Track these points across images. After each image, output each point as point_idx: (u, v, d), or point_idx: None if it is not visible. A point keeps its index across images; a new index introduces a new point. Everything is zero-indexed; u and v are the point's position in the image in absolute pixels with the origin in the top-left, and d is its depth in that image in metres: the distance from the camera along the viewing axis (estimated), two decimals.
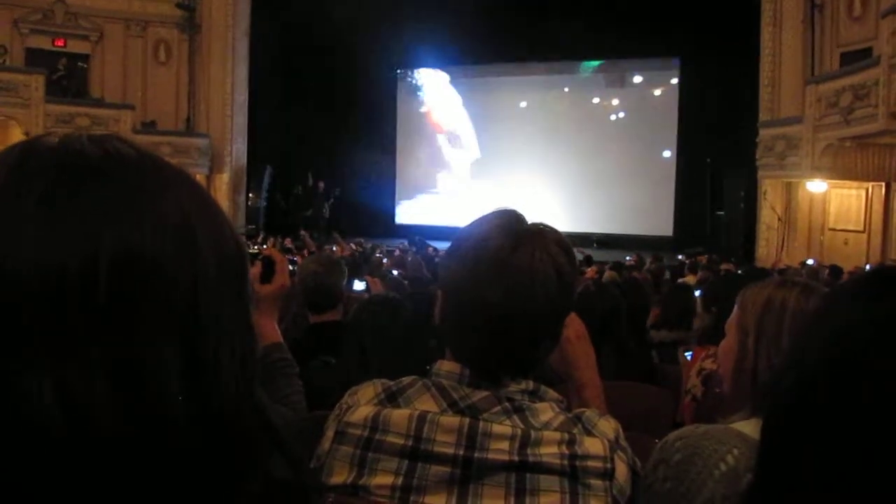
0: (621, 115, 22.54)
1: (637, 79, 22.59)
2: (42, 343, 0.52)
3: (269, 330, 2.20)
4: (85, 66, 20.24)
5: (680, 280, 9.87)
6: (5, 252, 0.53)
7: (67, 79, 19.25)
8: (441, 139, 24.43)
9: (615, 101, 22.79)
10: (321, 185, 21.12)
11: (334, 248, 13.69)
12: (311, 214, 20.85)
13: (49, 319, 0.52)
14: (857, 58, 14.28)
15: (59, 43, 19.93)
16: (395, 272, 7.25)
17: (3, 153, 0.59)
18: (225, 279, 0.61)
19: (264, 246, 14.68)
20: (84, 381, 0.52)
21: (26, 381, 0.51)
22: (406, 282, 6.55)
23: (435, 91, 24.76)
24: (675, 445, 1.38)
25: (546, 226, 1.38)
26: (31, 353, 0.52)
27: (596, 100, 23.03)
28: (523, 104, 23.53)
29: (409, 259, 10.28)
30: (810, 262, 12.76)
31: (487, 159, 23.79)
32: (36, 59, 19.12)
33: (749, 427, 1.40)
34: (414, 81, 24.86)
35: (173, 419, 0.56)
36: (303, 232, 17.71)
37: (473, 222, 1.39)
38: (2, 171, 0.57)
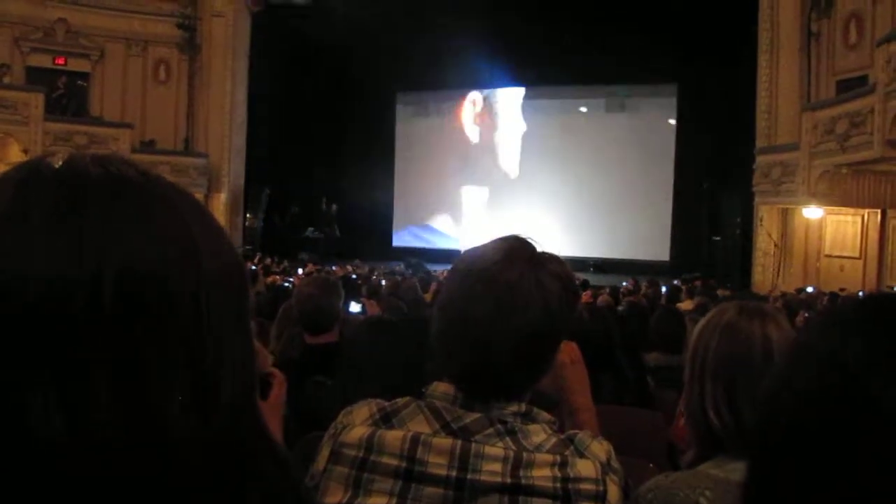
0: (619, 140, 22.60)
1: (636, 104, 22.67)
2: (47, 357, 0.53)
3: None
4: (85, 84, 20.33)
5: (678, 305, 9.86)
6: (12, 268, 0.54)
7: (67, 97, 19.33)
8: (439, 163, 24.46)
9: (614, 127, 22.86)
10: (334, 207, 21.30)
11: (333, 268, 13.68)
12: (324, 235, 21.02)
13: (54, 335, 0.53)
14: (853, 86, 14.39)
15: (60, 61, 20.02)
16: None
17: (10, 172, 0.60)
18: (227, 296, 0.61)
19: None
20: (87, 396, 0.53)
21: (30, 394, 0.52)
22: (402, 304, 6.54)
23: (436, 114, 24.86)
24: (648, 497, 1.38)
25: (550, 254, 1.38)
26: (35, 367, 0.53)
27: (595, 125, 23.11)
28: (521, 129, 23.59)
29: (405, 282, 10.24)
30: (810, 289, 12.76)
31: (485, 184, 23.83)
32: (36, 77, 19.22)
33: (717, 468, 1.41)
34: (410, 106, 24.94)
35: (174, 434, 0.56)
36: (302, 254, 17.78)
37: (481, 244, 1.41)
38: (8, 189, 0.58)
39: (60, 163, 0.61)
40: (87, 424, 0.53)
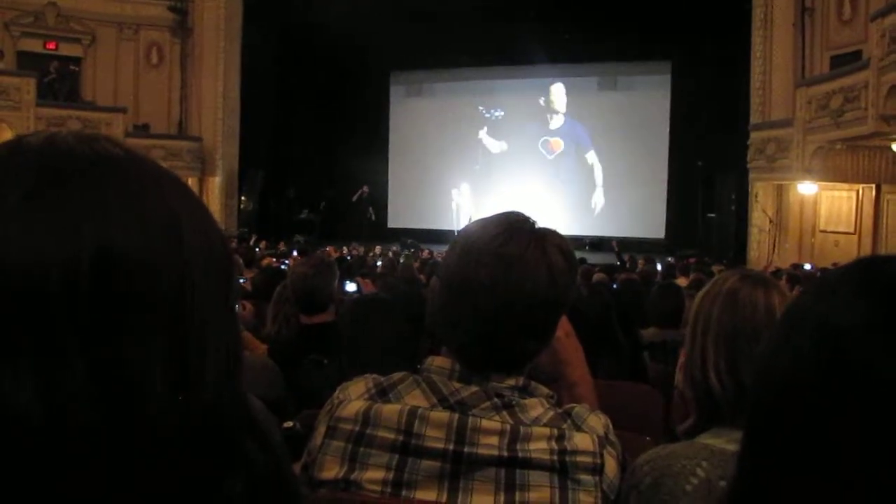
0: (613, 118, 22.55)
1: (629, 82, 22.61)
2: (23, 339, 0.52)
3: None
4: (77, 69, 20.17)
5: (672, 281, 9.85)
6: None
7: (59, 82, 19.17)
8: (434, 142, 24.39)
9: (608, 105, 22.80)
10: (365, 189, 21.25)
11: (327, 249, 13.68)
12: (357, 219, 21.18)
13: (31, 316, 0.52)
14: (847, 61, 14.34)
15: (51, 46, 19.86)
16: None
17: None
18: (212, 279, 0.60)
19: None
20: (65, 378, 0.52)
21: (5, 376, 0.51)
22: (398, 283, 6.55)
23: (429, 94, 24.79)
24: (644, 469, 1.38)
25: (549, 228, 1.40)
26: (11, 349, 0.51)
27: (589, 103, 23.04)
28: (515, 108, 23.52)
29: (401, 262, 10.27)
30: (808, 266, 12.74)
31: (480, 163, 23.78)
32: (27, 61, 19.06)
33: (714, 439, 1.41)
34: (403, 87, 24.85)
35: (155, 418, 0.55)
36: (297, 237, 17.82)
37: (480, 219, 1.41)
38: None
39: (41, 140, 0.60)
40: (64, 406, 0.52)
